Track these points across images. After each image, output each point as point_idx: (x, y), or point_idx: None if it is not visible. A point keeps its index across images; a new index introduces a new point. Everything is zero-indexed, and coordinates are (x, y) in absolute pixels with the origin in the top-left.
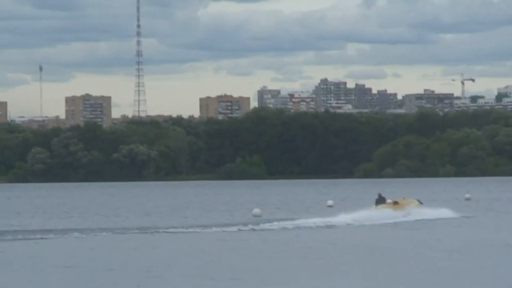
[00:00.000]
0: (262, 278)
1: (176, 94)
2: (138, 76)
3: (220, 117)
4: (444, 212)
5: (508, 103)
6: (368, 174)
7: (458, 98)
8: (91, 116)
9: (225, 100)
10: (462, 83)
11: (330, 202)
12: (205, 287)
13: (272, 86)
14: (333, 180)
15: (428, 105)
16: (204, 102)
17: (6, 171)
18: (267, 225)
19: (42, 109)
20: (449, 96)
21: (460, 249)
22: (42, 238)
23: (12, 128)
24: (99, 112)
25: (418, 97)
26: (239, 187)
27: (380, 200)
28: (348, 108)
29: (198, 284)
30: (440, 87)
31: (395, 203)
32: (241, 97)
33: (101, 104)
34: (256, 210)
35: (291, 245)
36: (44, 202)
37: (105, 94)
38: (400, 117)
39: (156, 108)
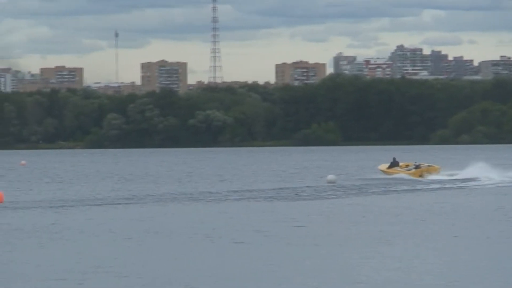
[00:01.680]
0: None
1: (251, 61)
2: (214, 42)
3: (296, 83)
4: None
5: None
6: (443, 141)
7: None
8: (166, 82)
9: (300, 66)
10: None
11: (330, 177)
12: (296, 252)
13: (347, 52)
14: (409, 146)
15: (505, 72)
16: (280, 69)
17: (82, 137)
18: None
19: (117, 75)
20: None
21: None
22: (111, 204)
23: (88, 94)
24: (175, 78)
25: (495, 63)
26: (314, 153)
27: (394, 164)
28: (424, 74)
29: (291, 250)
30: None
31: (417, 167)
32: (316, 64)
33: (177, 70)
34: (331, 177)
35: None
36: (119, 168)
37: (181, 60)
38: (476, 84)
39: (231, 75)
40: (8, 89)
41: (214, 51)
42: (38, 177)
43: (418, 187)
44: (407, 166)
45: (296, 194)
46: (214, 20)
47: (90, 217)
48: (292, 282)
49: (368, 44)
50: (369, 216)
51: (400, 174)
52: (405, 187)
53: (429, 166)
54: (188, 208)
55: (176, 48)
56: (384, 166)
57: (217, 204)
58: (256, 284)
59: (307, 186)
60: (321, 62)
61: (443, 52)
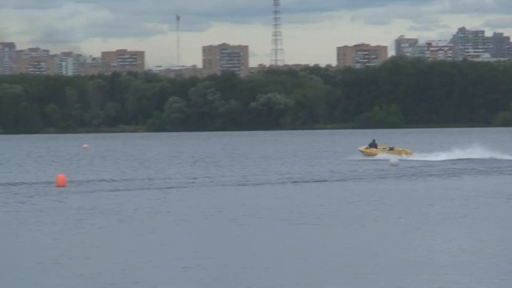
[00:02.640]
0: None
1: (313, 43)
2: (275, 25)
3: (357, 66)
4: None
5: None
6: (506, 123)
7: None
8: (228, 65)
9: (362, 49)
10: None
11: (393, 160)
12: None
13: (409, 35)
14: (471, 128)
15: None
16: (341, 51)
17: (143, 120)
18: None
19: (179, 59)
20: None
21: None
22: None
23: (149, 77)
24: (236, 62)
25: None
26: (375, 135)
27: (373, 145)
28: (485, 57)
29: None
30: None
31: (391, 149)
32: (378, 46)
33: (238, 53)
34: (393, 160)
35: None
36: (183, 150)
37: (242, 44)
38: None
39: (293, 58)
40: (70, 73)
41: (275, 34)
42: (100, 160)
43: (481, 168)
44: (383, 149)
45: (358, 177)
46: (276, 2)
47: (153, 199)
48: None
49: (430, 26)
50: (434, 199)
51: (380, 154)
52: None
53: (402, 150)
54: (248, 192)
55: (237, 31)
56: (363, 147)
57: (283, 187)
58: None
59: (368, 169)
60: (382, 44)
61: (505, 35)
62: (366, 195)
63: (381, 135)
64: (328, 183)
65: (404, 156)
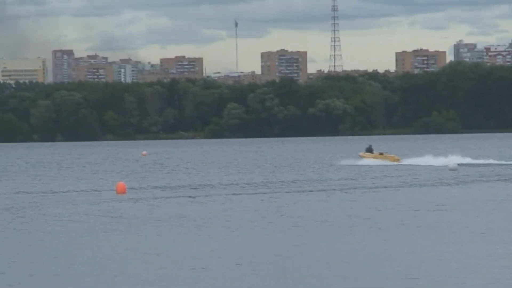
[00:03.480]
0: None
1: (371, 49)
2: (334, 31)
3: (416, 71)
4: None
5: None
6: None
7: None
8: (286, 71)
9: (420, 54)
10: None
11: (452, 165)
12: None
13: (467, 40)
14: None
15: None
16: (400, 57)
17: (202, 127)
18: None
19: (237, 65)
20: None
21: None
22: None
23: (208, 84)
24: (295, 67)
25: None
26: (435, 140)
27: (369, 150)
28: None
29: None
30: None
31: (380, 154)
32: (436, 51)
33: (297, 59)
34: (453, 165)
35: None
36: (246, 157)
37: (301, 50)
38: None
39: (351, 63)
40: (128, 80)
41: (333, 39)
42: (159, 168)
43: None
44: (380, 154)
45: (418, 183)
46: (334, 8)
47: (219, 205)
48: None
49: (488, 31)
50: (492, 204)
51: (366, 159)
52: None
53: (391, 156)
54: (310, 198)
55: (296, 37)
56: (363, 153)
57: (348, 194)
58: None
59: (429, 173)
60: (441, 50)
61: None
62: (428, 201)
63: (441, 140)
64: (382, 189)
65: (389, 162)
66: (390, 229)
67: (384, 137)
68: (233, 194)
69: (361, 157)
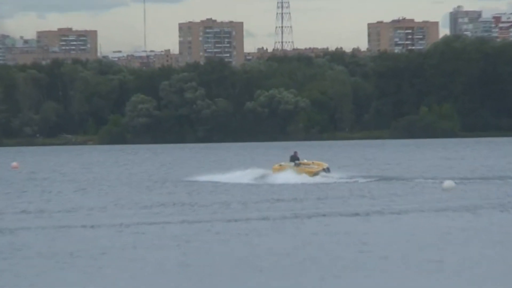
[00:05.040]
0: None
1: (334, 20)
2: None
3: (397, 50)
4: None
5: None
6: None
7: None
8: (215, 50)
9: (402, 26)
10: None
11: (447, 184)
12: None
13: (468, 6)
14: None
15: None
16: (374, 30)
17: (96, 128)
18: None
19: (145, 41)
20: None
21: None
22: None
23: (104, 67)
24: (226, 45)
25: None
26: (423, 147)
27: (293, 158)
28: None
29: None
30: None
31: (296, 165)
32: (425, 22)
33: (229, 33)
34: (448, 183)
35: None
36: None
37: (234, 20)
38: None
39: (306, 39)
40: None
41: (281, 5)
42: (35, 185)
43: None
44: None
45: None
46: None
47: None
48: None
49: None
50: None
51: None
52: None
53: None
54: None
55: (228, 3)
56: (282, 164)
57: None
58: None
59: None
60: (431, 20)
61: None
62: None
63: (433, 146)
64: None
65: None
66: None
67: (350, 143)
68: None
69: (275, 170)
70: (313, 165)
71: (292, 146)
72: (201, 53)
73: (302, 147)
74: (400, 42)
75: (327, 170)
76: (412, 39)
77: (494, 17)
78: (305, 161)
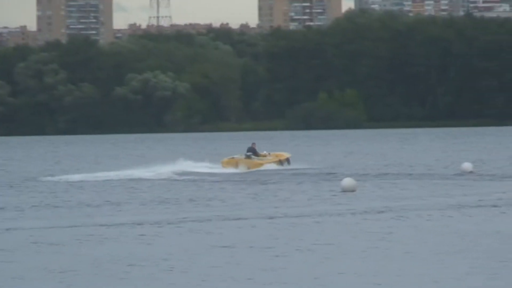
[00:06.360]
0: None
1: None
2: None
3: (292, 26)
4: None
5: None
6: None
7: None
8: (79, 26)
9: None
10: None
11: (466, 165)
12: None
13: None
14: (478, 128)
15: None
16: (266, 2)
17: None
18: None
19: None
20: None
21: None
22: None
23: None
24: (93, 20)
25: None
26: (321, 139)
27: (250, 151)
28: (504, 9)
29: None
30: None
31: (247, 157)
32: None
33: (96, 6)
34: (348, 181)
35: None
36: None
37: None
38: None
39: (185, 14)
40: None
41: None
42: None
43: None
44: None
45: None
46: None
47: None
48: None
49: None
50: None
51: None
52: None
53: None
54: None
55: None
56: (232, 158)
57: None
58: None
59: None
60: None
61: None
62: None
63: (335, 139)
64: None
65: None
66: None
67: (236, 136)
68: None
69: (225, 164)
70: (268, 157)
71: (169, 138)
72: (63, 30)
73: (178, 140)
74: (296, 17)
75: (285, 162)
76: (311, 13)
77: None
78: (265, 152)
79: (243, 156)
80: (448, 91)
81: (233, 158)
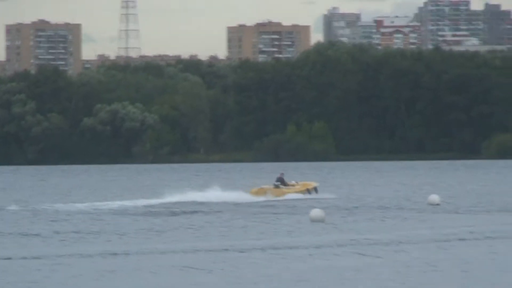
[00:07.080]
0: None
1: (188, 22)
2: None
3: (262, 58)
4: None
5: None
6: (503, 152)
7: None
8: (48, 56)
9: (269, 30)
10: None
11: (433, 198)
12: None
13: (346, 7)
14: (446, 161)
15: None
16: (235, 35)
17: None
18: None
19: None
20: None
21: None
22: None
23: None
24: (62, 50)
25: None
26: (291, 170)
27: (279, 181)
28: (472, 43)
29: None
30: None
31: (276, 186)
32: (295, 26)
33: (65, 37)
34: (317, 212)
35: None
36: None
37: (71, 21)
38: None
39: (154, 45)
40: None
41: (125, 5)
42: None
43: None
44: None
45: None
46: None
47: None
48: None
49: None
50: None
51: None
52: None
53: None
54: None
55: (61, 2)
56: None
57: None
58: None
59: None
60: (302, 24)
61: (503, 8)
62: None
63: (303, 170)
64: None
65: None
66: None
67: (205, 167)
68: None
69: (254, 193)
70: (297, 186)
71: (137, 169)
72: (32, 60)
73: (148, 172)
74: (265, 49)
75: (313, 190)
76: (280, 45)
77: (375, 20)
78: (293, 182)
79: (272, 186)
80: (417, 124)
81: (262, 188)
